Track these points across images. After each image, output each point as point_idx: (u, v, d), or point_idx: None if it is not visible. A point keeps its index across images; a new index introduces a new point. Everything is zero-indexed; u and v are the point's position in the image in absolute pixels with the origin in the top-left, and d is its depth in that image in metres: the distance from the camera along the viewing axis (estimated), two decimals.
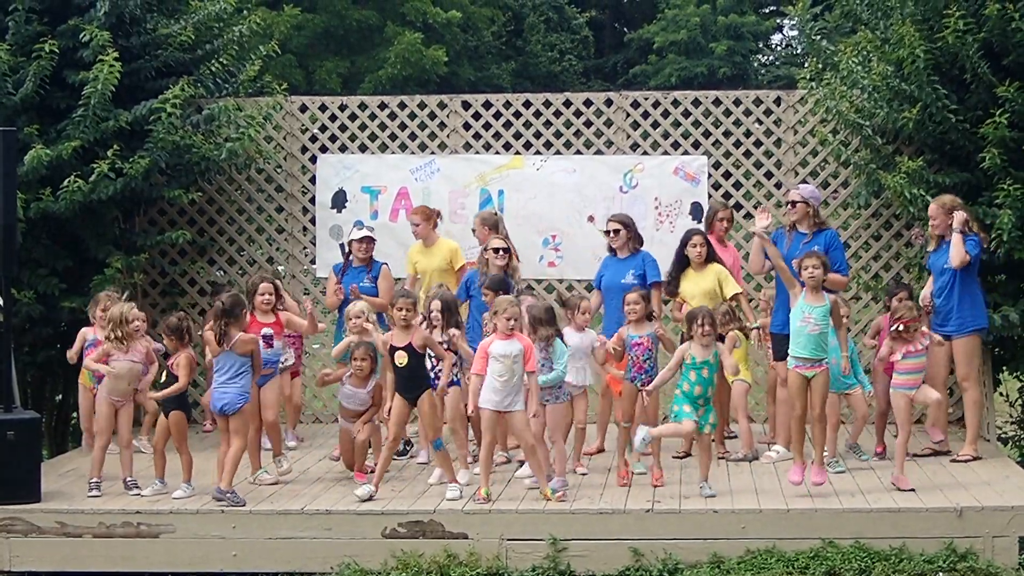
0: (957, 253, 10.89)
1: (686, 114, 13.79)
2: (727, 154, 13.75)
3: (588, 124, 13.99)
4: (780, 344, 11.24)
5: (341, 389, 10.70)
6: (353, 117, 14.09)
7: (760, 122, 13.74)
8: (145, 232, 13.57)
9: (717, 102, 13.84)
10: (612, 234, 11.67)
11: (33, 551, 9.84)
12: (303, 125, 14.21)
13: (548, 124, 13.94)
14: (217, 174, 13.84)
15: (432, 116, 14.06)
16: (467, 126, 14.00)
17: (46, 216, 12.35)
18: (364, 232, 12.24)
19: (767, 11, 48.19)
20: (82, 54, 12.74)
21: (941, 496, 9.78)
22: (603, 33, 50.31)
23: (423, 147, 14.06)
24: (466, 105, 14.08)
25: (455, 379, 10.74)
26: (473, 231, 12.47)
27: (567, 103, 13.98)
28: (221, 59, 13.84)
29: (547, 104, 13.95)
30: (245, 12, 15.21)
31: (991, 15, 11.35)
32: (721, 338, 10.73)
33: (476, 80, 40.43)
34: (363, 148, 14.12)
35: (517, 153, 13.89)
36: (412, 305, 10.27)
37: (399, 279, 12.79)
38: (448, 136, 14.01)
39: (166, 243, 13.37)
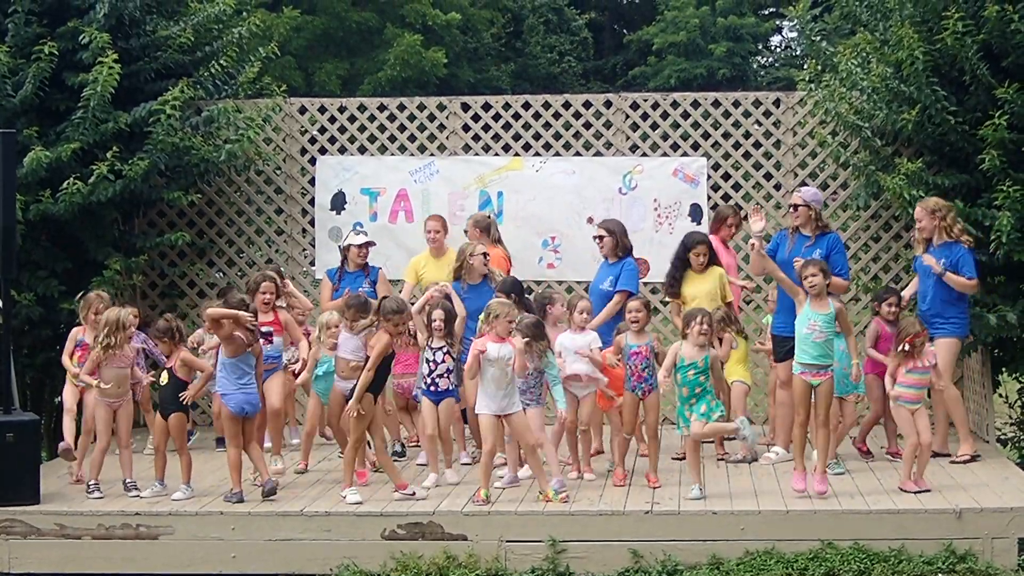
0: (959, 284, 10.93)
1: (685, 116, 13.79)
2: (726, 156, 13.76)
3: (587, 126, 14.00)
4: (780, 345, 11.26)
5: (340, 341, 10.75)
6: (352, 119, 14.10)
7: (759, 124, 13.75)
8: (144, 234, 13.58)
9: (716, 104, 13.85)
10: (597, 240, 11.70)
11: (32, 553, 9.84)
12: (302, 127, 14.22)
13: (547, 126, 13.95)
14: (216, 176, 13.85)
15: (431, 118, 14.07)
16: (466, 128, 14.01)
17: (45, 218, 12.36)
18: (364, 237, 12.23)
19: (766, 13, 48.16)
20: (81, 56, 12.75)
21: (940, 497, 9.78)
22: (602, 35, 50.27)
23: (422, 149, 14.07)
24: (465, 107, 14.09)
25: (452, 387, 10.74)
26: (465, 232, 12.46)
27: (566, 105, 13.98)
28: (220, 61, 13.84)
29: (546, 106, 13.96)
30: (244, 14, 15.22)
31: (990, 17, 11.36)
32: (719, 341, 10.75)
33: (475, 82, 40.40)
34: (362, 150, 14.12)
35: (516, 155, 13.90)
36: (405, 319, 10.32)
37: (396, 281, 12.79)
38: (447, 138, 14.02)
39: (165, 245, 13.38)
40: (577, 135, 13.99)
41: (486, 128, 13.95)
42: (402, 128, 14.07)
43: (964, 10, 11.60)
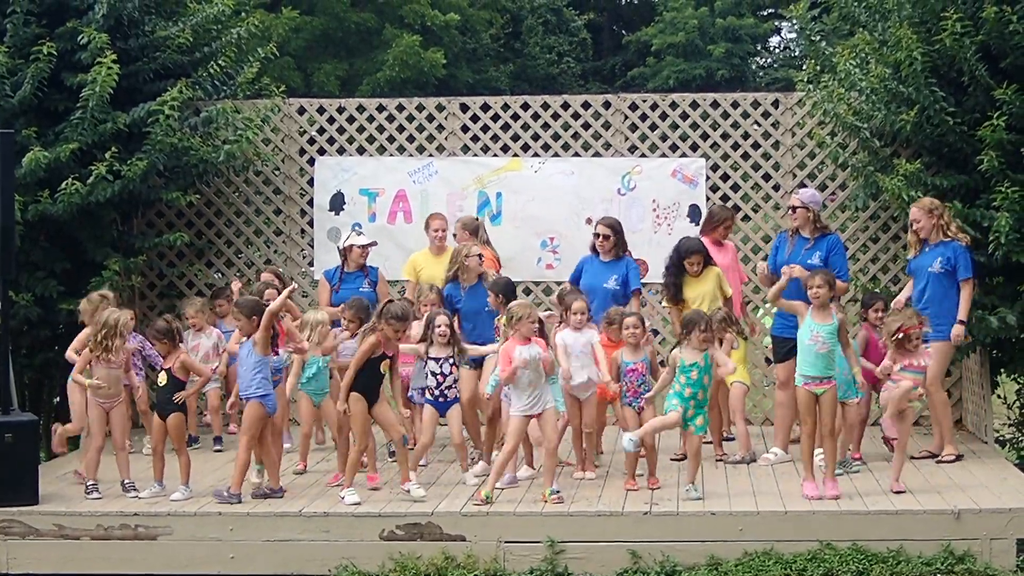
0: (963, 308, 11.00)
1: (684, 116, 13.80)
2: (725, 156, 13.77)
3: (586, 126, 14.00)
4: (780, 346, 11.26)
5: (340, 349, 10.77)
6: (351, 119, 14.10)
7: (758, 124, 13.76)
8: (143, 234, 13.59)
9: (715, 104, 13.85)
10: (602, 239, 11.67)
11: (31, 553, 9.84)
12: (301, 127, 14.23)
13: (546, 126, 13.95)
14: (215, 176, 13.86)
15: (430, 118, 14.07)
16: (465, 128, 14.01)
17: (44, 218, 12.36)
18: (367, 237, 12.21)
19: (765, 13, 48.17)
20: (80, 56, 12.75)
21: (939, 498, 9.78)
22: (601, 35, 50.28)
23: (421, 149, 14.07)
24: (464, 107, 14.09)
25: (458, 395, 10.75)
26: (454, 235, 12.44)
27: (565, 105, 13.99)
28: (219, 61, 13.85)
29: (545, 106, 13.96)
30: (243, 14, 15.23)
31: (989, 18, 11.35)
32: (720, 342, 10.75)
33: (474, 82, 40.40)
34: (361, 150, 14.12)
35: (515, 155, 13.91)
36: (407, 326, 10.28)
37: (395, 282, 12.79)
38: (446, 138, 14.02)
39: (164, 245, 13.39)
40: (576, 136, 13.99)
41: (485, 129, 13.96)
42: (401, 129, 14.08)
43: (963, 11, 11.60)
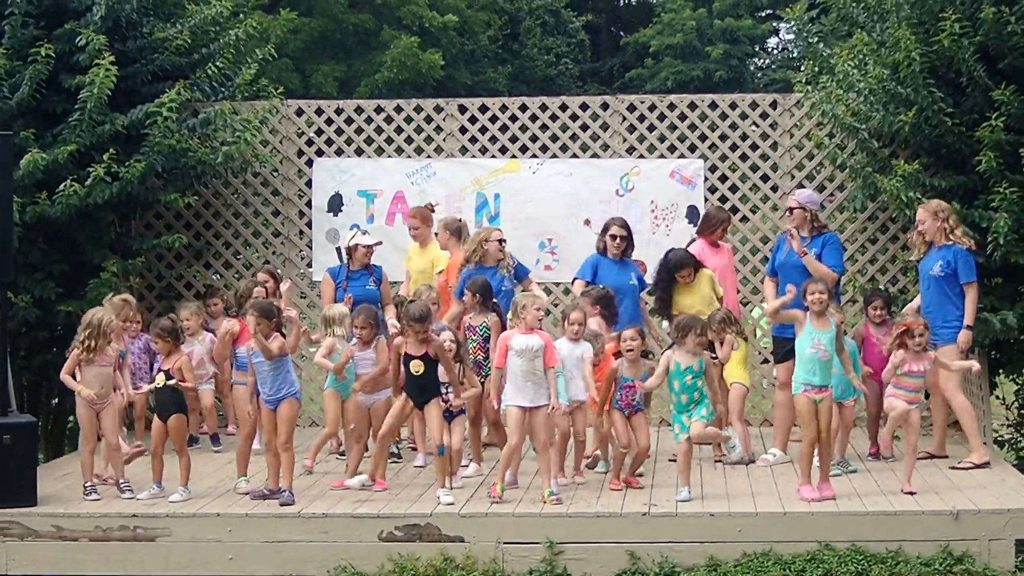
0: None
1: (682, 117, 13.80)
2: (723, 157, 13.77)
3: (584, 128, 14.01)
4: (780, 346, 11.25)
5: (355, 359, 10.66)
6: (349, 121, 14.10)
7: (756, 125, 13.76)
8: (141, 236, 13.59)
9: (713, 105, 13.86)
10: (618, 240, 11.68)
11: (29, 555, 9.82)
12: (299, 129, 14.23)
13: (544, 128, 13.96)
14: (213, 178, 13.85)
15: (428, 120, 14.08)
16: (463, 130, 14.01)
17: (42, 220, 12.35)
18: (372, 238, 12.18)
19: (763, 15, 48.26)
20: (78, 58, 12.75)
21: (937, 499, 9.78)
22: (599, 37, 50.34)
23: (419, 151, 14.08)
24: (462, 109, 14.09)
25: (464, 406, 10.73)
26: (435, 235, 12.43)
27: (563, 107, 13.99)
28: (217, 63, 13.84)
29: (543, 108, 13.97)
30: (241, 16, 15.20)
31: (987, 18, 11.36)
32: (720, 342, 10.74)
33: (472, 84, 40.46)
34: (359, 152, 14.12)
35: (513, 157, 13.91)
36: (429, 325, 10.11)
37: (395, 283, 12.79)
38: (444, 140, 14.02)
39: (162, 247, 13.39)
40: (574, 137, 14.00)
41: (483, 130, 13.96)
42: (399, 130, 14.08)
43: (961, 12, 11.61)
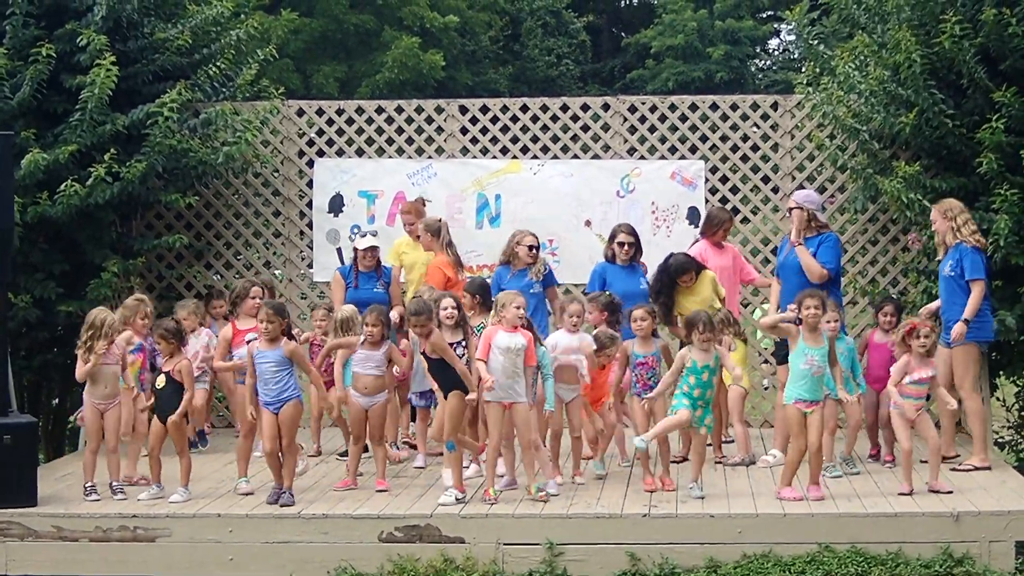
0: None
1: (683, 119, 13.79)
2: (724, 159, 13.77)
3: (585, 128, 14.01)
4: (782, 348, 11.23)
5: (354, 357, 10.55)
6: (350, 121, 14.10)
7: (757, 127, 13.77)
8: (142, 236, 13.58)
9: (714, 107, 13.86)
10: (627, 247, 11.69)
11: (29, 555, 9.82)
12: (300, 129, 14.23)
13: (545, 128, 13.96)
14: (214, 178, 13.85)
15: (429, 120, 14.07)
16: (464, 130, 14.01)
17: (43, 220, 12.35)
18: (368, 241, 12.15)
19: (764, 16, 48.26)
20: (79, 58, 12.75)
21: (938, 500, 9.78)
22: (600, 38, 50.36)
23: (420, 151, 14.07)
24: (463, 109, 14.09)
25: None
26: (417, 237, 12.39)
27: (564, 107, 14.00)
28: (218, 63, 13.84)
29: (544, 108, 13.97)
30: (242, 16, 15.20)
31: (988, 20, 11.36)
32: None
33: (473, 84, 40.46)
34: (360, 152, 14.12)
35: (514, 157, 13.91)
36: (427, 319, 10.06)
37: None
38: (445, 140, 14.02)
39: (163, 247, 13.39)
40: (575, 138, 14.00)
41: (484, 131, 13.96)
42: (400, 131, 14.07)
43: (962, 13, 11.61)
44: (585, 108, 14.03)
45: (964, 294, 10.89)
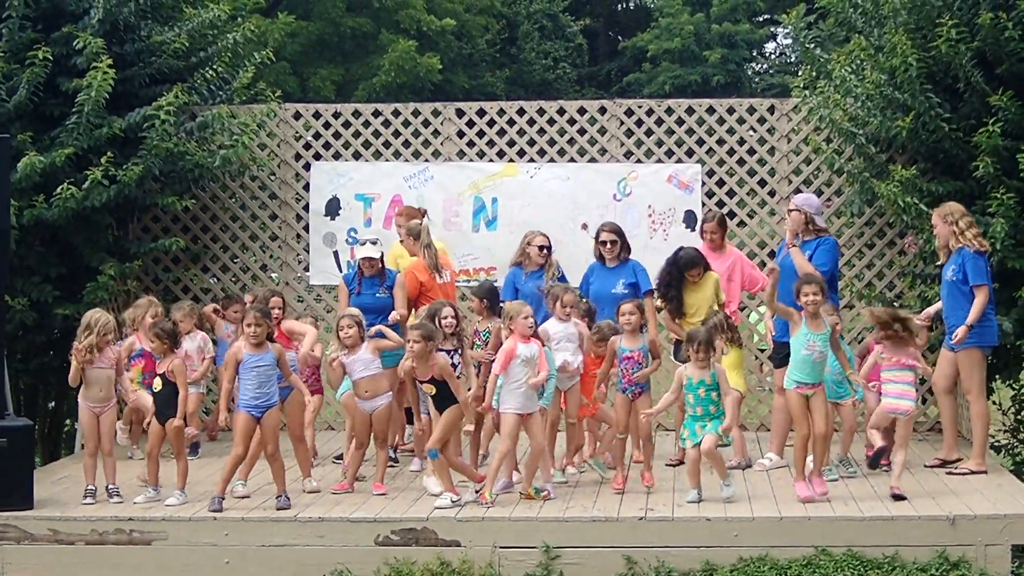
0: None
1: (680, 122, 13.80)
2: (721, 162, 13.77)
3: (582, 132, 14.01)
4: (779, 351, 11.25)
5: (346, 364, 10.49)
6: (347, 124, 14.09)
7: (754, 130, 13.77)
8: (139, 239, 13.57)
9: (711, 110, 13.87)
10: (608, 245, 11.67)
11: (26, 558, 9.82)
12: (297, 132, 14.22)
13: (542, 132, 13.96)
14: (211, 181, 13.85)
15: (426, 124, 14.07)
16: (461, 134, 14.01)
17: (39, 223, 12.35)
18: (367, 251, 12.00)
19: (761, 19, 48.28)
20: (76, 61, 12.75)
21: (934, 504, 9.79)
22: (597, 41, 50.37)
23: (417, 155, 14.07)
24: (460, 113, 14.09)
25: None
26: (400, 242, 12.36)
27: (561, 111, 14.00)
28: (215, 66, 13.86)
29: (541, 112, 13.98)
30: (239, 19, 15.20)
31: (984, 24, 11.38)
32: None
33: (470, 88, 40.45)
34: (357, 155, 14.11)
35: (511, 161, 13.90)
36: (426, 336, 10.03)
37: None
38: (442, 144, 14.02)
39: (160, 250, 13.39)
40: (572, 141, 14.00)
41: (481, 134, 13.96)
42: (396, 134, 14.07)
43: (958, 17, 11.62)
44: (582, 111, 14.03)
45: (967, 299, 10.85)
